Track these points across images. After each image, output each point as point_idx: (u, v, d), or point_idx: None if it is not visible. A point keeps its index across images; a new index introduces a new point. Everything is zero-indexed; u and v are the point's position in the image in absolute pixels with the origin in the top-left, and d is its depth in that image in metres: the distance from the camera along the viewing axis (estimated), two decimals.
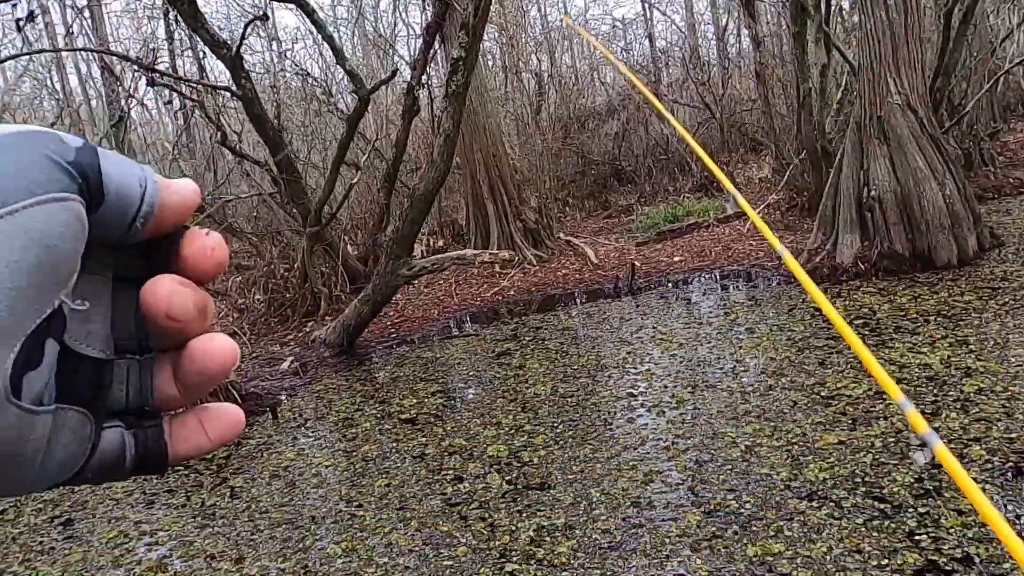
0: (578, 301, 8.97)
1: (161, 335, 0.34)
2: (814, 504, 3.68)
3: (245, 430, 5.93)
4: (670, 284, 8.87)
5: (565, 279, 9.92)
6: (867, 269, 7.46)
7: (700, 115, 17.77)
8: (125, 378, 0.34)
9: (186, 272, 0.34)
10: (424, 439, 5.45)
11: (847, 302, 6.79)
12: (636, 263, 9.41)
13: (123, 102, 16.43)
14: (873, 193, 7.56)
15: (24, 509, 5.42)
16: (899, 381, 4.91)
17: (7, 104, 20.49)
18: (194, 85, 10.82)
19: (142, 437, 0.35)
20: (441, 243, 12.42)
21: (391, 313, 9.31)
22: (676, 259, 9.82)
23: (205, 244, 0.34)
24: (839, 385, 5.02)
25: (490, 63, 16.94)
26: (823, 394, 4.94)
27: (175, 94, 11.96)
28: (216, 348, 0.34)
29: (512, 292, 9.73)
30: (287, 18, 34.48)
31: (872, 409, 4.58)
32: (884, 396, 4.72)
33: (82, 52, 17.35)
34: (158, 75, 10.43)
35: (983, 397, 4.47)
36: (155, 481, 5.54)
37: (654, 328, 7.17)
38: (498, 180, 11.06)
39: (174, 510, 5.02)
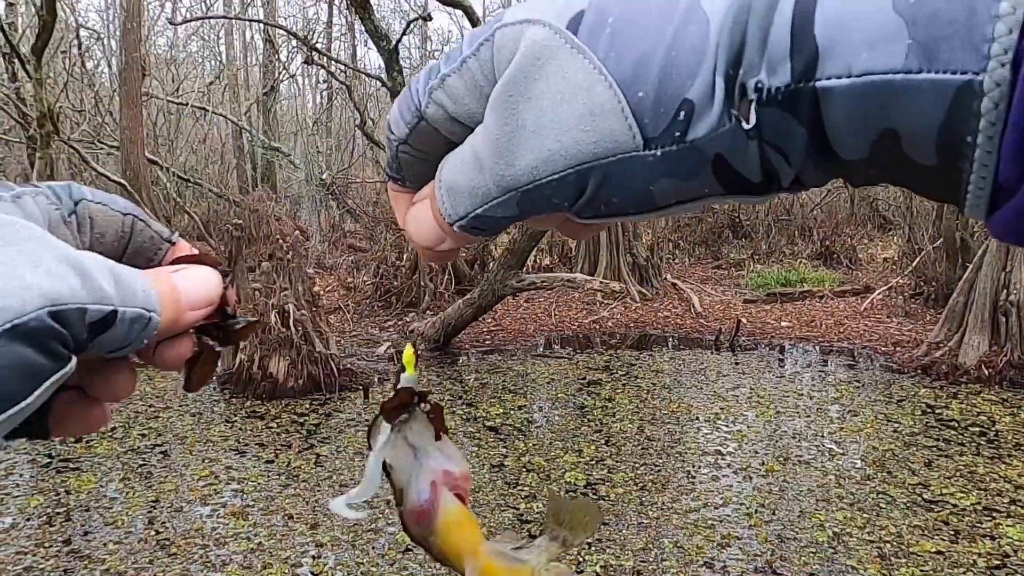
0: (673, 346, 8.85)
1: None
2: None
3: (335, 402, 6.09)
4: (772, 348, 8.62)
5: (665, 321, 9.80)
6: (991, 375, 7.02)
7: (832, 181, 17.22)
8: None
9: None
10: (505, 450, 5.51)
11: (964, 405, 6.41)
12: (742, 319, 9.20)
13: (277, 73, 17.45)
14: (1012, 297, 7.13)
15: (131, 432, 5.83)
16: (1013, 502, 4.61)
17: (174, 58, 22.12)
18: (349, 69, 11.38)
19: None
20: (548, 261, 12.52)
21: (488, 320, 9.45)
22: (783, 324, 9.54)
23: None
24: (944, 491, 4.75)
25: None
26: (926, 496, 4.68)
27: (328, 74, 12.60)
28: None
29: (610, 323, 9.69)
30: (439, 20, 35.76)
31: (979, 524, 4.31)
32: (994, 513, 4.44)
33: (249, 22, 18.55)
34: (317, 54, 11.04)
35: None
36: (249, 431, 5.84)
37: (751, 389, 6.98)
38: None
39: (262, 463, 5.27)
